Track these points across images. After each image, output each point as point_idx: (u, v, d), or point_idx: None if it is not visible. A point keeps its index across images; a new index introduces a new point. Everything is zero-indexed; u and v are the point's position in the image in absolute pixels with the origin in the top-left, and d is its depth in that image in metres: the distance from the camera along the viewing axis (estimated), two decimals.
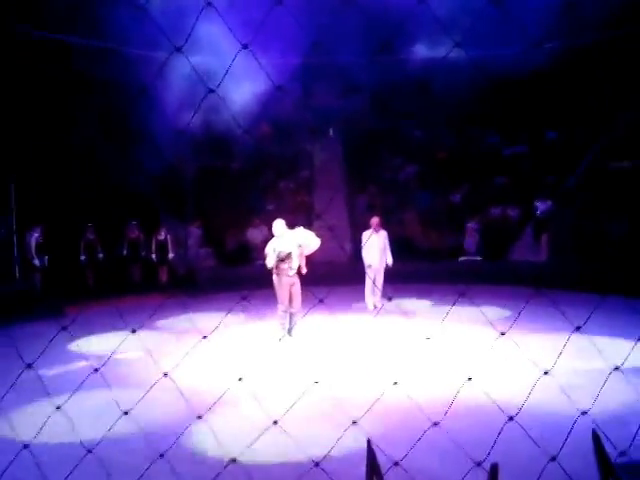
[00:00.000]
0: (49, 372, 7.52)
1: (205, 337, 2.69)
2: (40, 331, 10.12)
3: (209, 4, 2.69)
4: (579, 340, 3.85)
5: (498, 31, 13.48)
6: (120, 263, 16.10)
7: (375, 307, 12.29)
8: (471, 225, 16.45)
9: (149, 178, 16.03)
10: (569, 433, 3.01)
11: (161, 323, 11.12)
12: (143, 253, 16.29)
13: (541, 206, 16.11)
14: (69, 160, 14.64)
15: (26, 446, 3.10)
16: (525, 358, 3.00)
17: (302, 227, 9.66)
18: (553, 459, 2.66)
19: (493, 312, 10.80)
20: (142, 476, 2.98)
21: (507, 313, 10.93)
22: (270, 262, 9.22)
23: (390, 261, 12.22)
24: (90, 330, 10.09)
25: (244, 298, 3.16)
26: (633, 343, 3.70)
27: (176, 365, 3.12)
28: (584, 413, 2.71)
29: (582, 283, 12.40)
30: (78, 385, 3.87)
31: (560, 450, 2.79)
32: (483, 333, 8.75)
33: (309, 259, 9.84)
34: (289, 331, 9.56)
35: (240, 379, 2.76)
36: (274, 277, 9.38)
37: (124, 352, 8.29)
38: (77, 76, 14.63)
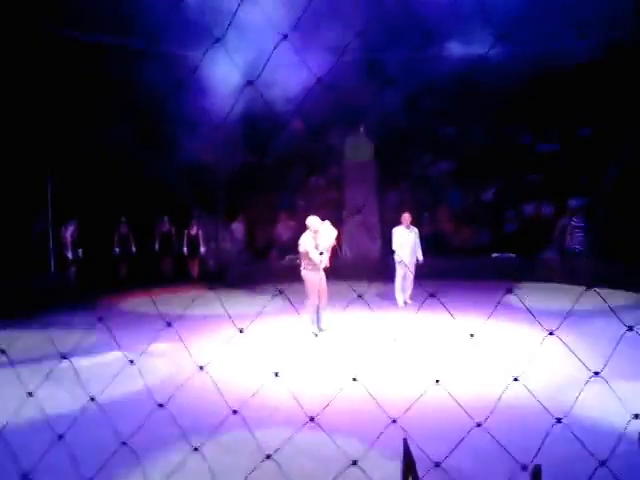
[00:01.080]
0: (83, 362, 7.60)
1: (242, 331, 2.67)
2: (74, 321, 10.33)
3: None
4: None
5: (531, 28, 13.33)
6: (152, 257, 16.28)
7: (405, 303, 12.21)
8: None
9: (182, 173, 16.15)
10: (620, 437, 2.93)
11: (194, 315, 11.15)
12: (174, 247, 16.46)
13: (575, 204, 15.83)
14: (104, 155, 14.81)
15: (61, 437, 3.11)
16: (574, 358, 2.92)
17: (328, 221, 9.60)
18: (602, 464, 2.57)
19: (536, 309, 10.59)
20: (175, 468, 2.98)
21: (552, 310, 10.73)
22: (316, 258, 9.15)
23: (421, 257, 12.13)
24: (123, 321, 10.21)
25: (281, 292, 3.13)
26: None
27: (210, 360, 3.10)
28: (637, 417, 2.62)
29: (616, 282, 12.17)
30: (110, 376, 3.89)
31: (610, 454, 2.70)
32: (527, 331, 8.64)
33: (338, 256, 9.83)
34: (318, 325, 9.55)
35: (277, 374, 2.73)
36: (304, 272, 9.35)
37: (157, 343, 8.40)
38: (112, 73, 14.78)
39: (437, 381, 2.68)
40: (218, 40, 2.57)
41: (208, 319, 10.60)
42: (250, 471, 2.86)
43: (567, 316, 3.06)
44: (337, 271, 10.41)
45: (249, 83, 2.57)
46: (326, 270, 9.60)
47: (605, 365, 2.80)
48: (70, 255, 14.44)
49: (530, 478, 2.42)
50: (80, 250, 14.68)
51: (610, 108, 15.75)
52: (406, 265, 11.91)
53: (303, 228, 9.69)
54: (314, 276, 9.28)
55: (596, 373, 2.59)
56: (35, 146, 13.60)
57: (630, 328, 2.71)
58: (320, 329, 9.57)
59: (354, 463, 2.46)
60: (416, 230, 12.27)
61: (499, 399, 2.99)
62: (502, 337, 9.07)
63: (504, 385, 2.95)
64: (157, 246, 16.40)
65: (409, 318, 10.14)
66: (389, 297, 12.35)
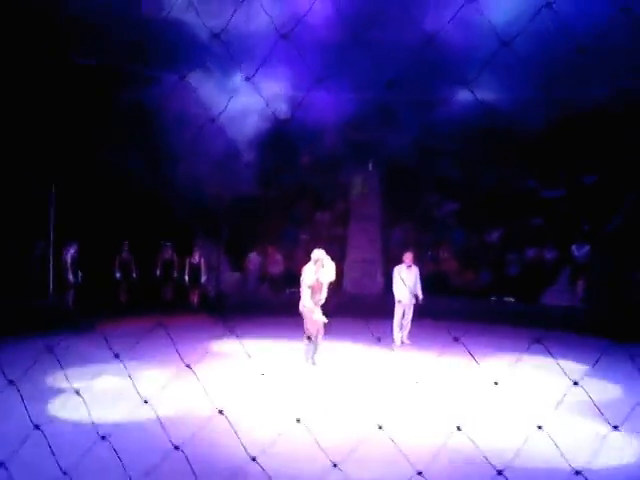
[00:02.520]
0: (77, 385, 7.47)
1: (263, 374, 2.64)
2: (70, 345, 10.23)
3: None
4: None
5: (540, 75, 13.51)
6: (153, 283, 16.24)
7: (402, 343, 12.12)
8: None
9: (186, 200, 16.22)
10: None
11: (193, 345, 11.05)
12: (176, 274, 16.44)
13: (578, 251, 15.86)
14: (107, 180, 14.87)
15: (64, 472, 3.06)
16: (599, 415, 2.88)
17: (327, 256, 9.56)
18: None
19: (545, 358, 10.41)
20: None
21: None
22: (307, 301, 9.10)
23: (421, 296, 12.09)
24: (119, 346, 10.10)
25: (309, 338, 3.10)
26: None
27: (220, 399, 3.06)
28: (578, 473, 2.58)
29: (616, 331, 12.09)
30: (104, 401, 3.83)
31: None
32: (541, 379, 8.57)
33: (338, 292, 9.81)
34: (312, 359, 9.47)
35: (298, 420, 2.69)
36: (305, 307, 9.25)
37: (153, 370, 8.29)
38: (119, 98, 14.95)
39: (458, 428, 2.65)
40: (248, 78, 2.60)
41: (208, 349, 10.49)
42: None
43: (592, 368, 3.03)
44: (337, 307, 10.39)
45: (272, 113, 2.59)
46: (324, 306, 9.56)
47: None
48: (70, 278, 14.38)
49: None
50: (80, 273, 14.62)
51: (616, 157, 15.91)
52: (405, 304, 11.90)
53: (293, 262, 9.72)
54: (312, 311, 9.23)
55: (615, 427, 2.56)
56: (38, 168, 13.67)
57: (575, 383, 2.67)
58: (314, 364, 9.48)
59: None
60: (417, 269, 12.27)
61: (522, 445, 2.95)
62: (520, 381, 8.88)
63: (525, 434, 2.90)
64: (159, 272, 16.38)
65: (411, 358, 10.07)
66: (387, 335, 12.25)
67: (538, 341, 2.81)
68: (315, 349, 9.51)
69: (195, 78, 13.92)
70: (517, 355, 7.02)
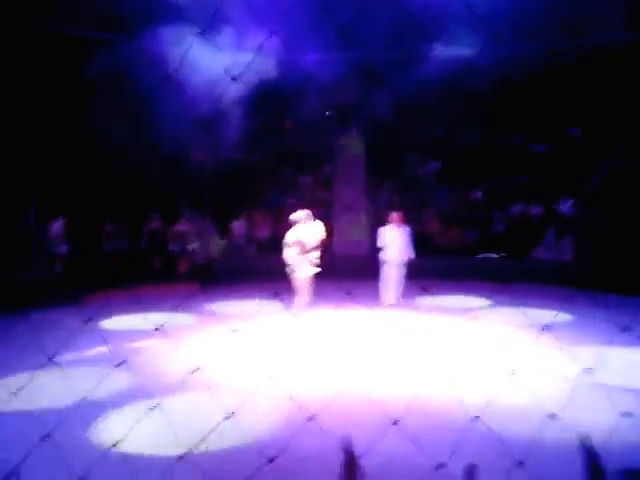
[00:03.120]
0: (68, 358, 7.52)
1: (235, 330, 2.66)
2: (59, 319, 10.27)
3: None
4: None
5: (520, 28, 13.39)
6: (141, 253, 16.24)
7: (392, 303, 12.20)
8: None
9: (169, 169, 16.11)
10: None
11: (183, 312, 11.08)
12: (163, 243, 16.42)
13: (563, 205, 15.94)
14: (92, 151, 14.72)
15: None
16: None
17: (318, 220, 9.59)
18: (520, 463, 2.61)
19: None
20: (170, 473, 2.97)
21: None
22: (290, 257, 9.21)
23: (413, 256, 12.14)
24: (109, 317, 10.14)
25: (277, 294, 3.13)
26: None
27: (206, 359, 3.08)
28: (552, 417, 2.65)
29: (607, 284, 12.27)
30: (96, 375, 3.86)
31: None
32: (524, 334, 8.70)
33: (326, 254, 9.85)
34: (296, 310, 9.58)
35: (270, 376, 2.72)
36: (292, 268, 9.35)
37: (145, 340, 8.35)
38: (97, 68, 14.70)
39: (434, 379, 2.69)
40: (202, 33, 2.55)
41: (198, 315, 10.54)
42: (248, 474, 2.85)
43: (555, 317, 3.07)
44: (326, 269, 10.42)
45: (233, 79, 2.56)
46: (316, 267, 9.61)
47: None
48: (58, 251, 14.36)
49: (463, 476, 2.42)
50: (67, 246, 14.59)
51: (600, 108, 15.86)
52: (392, 264, 11.97)
53: (279, 226, 9.77)
54: (306, 270, 9.30)
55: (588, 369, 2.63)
56: (22, 143, 13.51)
57: (625, 329, 2.73)
58: (294, 315, 9.59)
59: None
60: (408, 229, 12.28)
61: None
62: (493, 334, 9.08)
63: (499, 382, 2.96)
64: (146, 243, 16.36)
65: (398, 316, 10.18)
66: (376, 295, 12.35)
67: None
68: (300, 302, 9.57)
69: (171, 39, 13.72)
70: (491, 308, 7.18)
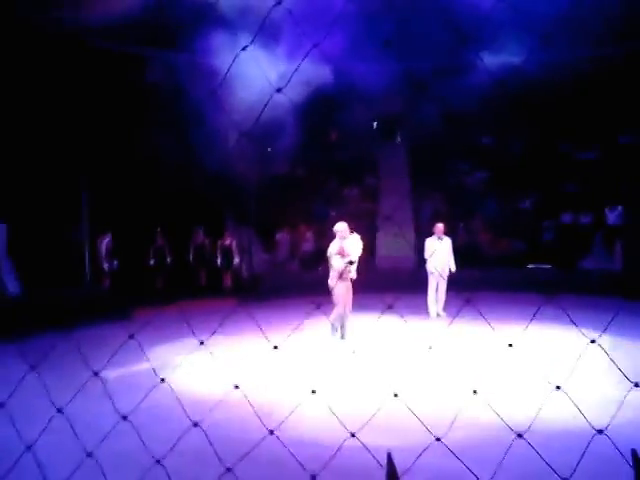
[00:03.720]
0: (112, 375, 7.58)
1: (276, 347, 2.60)
2: (108, 334, 10.38)
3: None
4: None
5: (568, 32, 13.11)
6: (187, 268, 16.38)
7: (438, 315, 12.04)
8: None
9: (214, 183, 16.26)
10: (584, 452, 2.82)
11: (227, 330, 11.08)
12: (208, 258, 16.54)
13: (611, 214, 15.51)
14: (139, 167, 14.98)
15: (89, 454, 3.07)
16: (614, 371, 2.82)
17: (356, 234, 9.48)
18: None
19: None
20: None
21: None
22: (338, 264, 9.12)
23: (453, 268, 11.98)
24: (158, 335, 10.20)
25: (318, 307, 3.06)
26: None
27: (243, 378, 3.03)
28: (600, 432, 2.51)
29: None
30: (141, 391, 3.84)
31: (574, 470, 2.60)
32: (569, 341, 8.45)
33: (370, 267, 9.75)
34: (342, 335, 9.45)
35: (314, 391, 2.65)
36: (333, 281, 9.25)
37: (188, 357, 8.35)
38: (145, 84, 14.98)
39: (475, 392, 2.59)
40: (245, 48, 2.52)
41: (241, 334, 10.52)
42: None
43: (606, 326, 2.93)
44: (369, 282, 10.33)
45: (278, 90, 2.51)
46: (354, 281, 9.51)
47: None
48: (106, 266, 14.59)
49: None
50: (115, 261, 14.83)
51: None
52: (440, 275, 11.82)
53: (324, 239, 9.69)
54: (340, 285, 9.18)
55: (637, 385, 2.50)
56: (72, 157, 13.81)
57: (592, 341, 2.60)
58: (343, 338, 9.47)
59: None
60: (449, 240, 12.13)
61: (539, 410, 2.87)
62: (542, 347, 8.85)
63: (544, 396, 2.84)
64: (191, 257, 16.49)
65: (442, 329, 9.97)
66: (422, 308, 12.17)
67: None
68: (344, 323, 9.46)
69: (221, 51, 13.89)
70: (539, 321, 6.97)
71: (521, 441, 2.69)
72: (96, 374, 3.00)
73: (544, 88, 13.53)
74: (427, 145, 17.61)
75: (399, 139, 18.55)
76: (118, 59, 14.61)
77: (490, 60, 14.51)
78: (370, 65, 15.83)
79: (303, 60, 2.74)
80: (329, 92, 15.05)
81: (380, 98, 17.26)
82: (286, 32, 13.35)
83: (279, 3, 2.19)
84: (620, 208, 15.38)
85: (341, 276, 9.13)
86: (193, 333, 2.89)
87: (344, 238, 9.25)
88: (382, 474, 2.61)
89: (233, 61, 2.60)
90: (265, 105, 2.61)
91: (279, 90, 2.55)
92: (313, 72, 14.11)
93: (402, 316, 3.21)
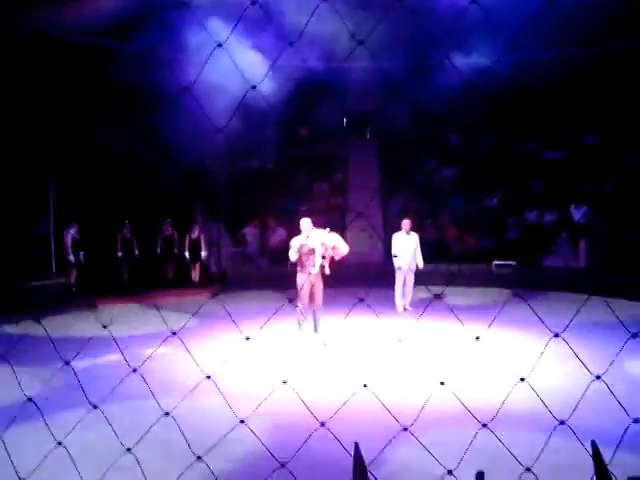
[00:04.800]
0: (80, 364, 7.52)
1: (248, 338, 2.65)
2: (73, 325, 10.32)
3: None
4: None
5: (535, 34, 13.36)
6: (154, 261, 16.28)
7: (405, 309, 12.20)
8: None
9: (184, 176, 16.20)
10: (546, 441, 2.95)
11: (193, 321, 11.11)
12: (176, 251, 16.46)
13: (576, 212, 15.84)
14: (105, 159, 14.84)
15: (59, 443, 3.09)
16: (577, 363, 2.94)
17: (329, 229, 9.56)
18: (528, 470, 2.60)
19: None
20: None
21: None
22: (293, 256, 9.29)
23: (421, 264, 12.14)
24: (123, 325, 10.16)
25: (290, 300, 3.12)
26: None
27: (218, 366, 3.08)
28: (562, 423, 2.63)
29: (617, 290, 12.11)
30: (111, 381, 3.86)
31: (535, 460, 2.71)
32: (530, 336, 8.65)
33: (340, 262, 9.81)
34: (315, 328, 9.56)
35: (285, 382, 2.71)
36: (298, 274, 9.43)
37: (158, 347, 8.33)
38: (111, 77, 14.84)
39: (442, 383, 2.68)
40: (220, 45, 2.56)
41: (208, 325, 10.54)
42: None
43: (570, 322, 3.04)
44: (339, 276, 10.42)
45: (253, 87, 2.56)
46: (325, 276, 9.61)
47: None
48: (71, 258, 14.44)
49: None
50: (82, 253, 14.68)
51: (616, 116, 15.77)
52: (405, 270, 12.00)
53: (293, 234, 9.79)
54: (303, 278, 9.32)
55: (598, 377, 2.61)
56: (37, 149, 13.64)
57: (635, 335, 2.70)
58: (316, 332, 9.57)
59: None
60: (416, 236, 12.27)
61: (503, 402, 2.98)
62: (505, 342, 9.06)
63: (508, 388, 2.94)
64: (159, 250, 16.39)
65: (409, 323, 10.12)
66: (389, 303, 12.31)
67: (519, 296, 2.81)
68: (315, 316, 9.57)
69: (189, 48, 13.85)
70: (506, 315, 7.17)
71: (486, 432, 2.78)
72: (67, 363, 3.01)
73: (511, 88, 13.74)
74: (396, 142, 17.77)
75: (369, 136, 18.68)
76: (85, 52, 14.44)
77: (459, 60, 14.73)
78: (341, 62, 15.92)
79: (278, 58, 2.79)
80: (301, 88, 15.12)
81: (351, 95, 17.39)
82: (258, 26, 13.34)
83: (253, 3, 2.23)
84: (585, 206, 15.71)
85: (303, 269, 9.31)
86: (165, 323, 2.92)
87: (307, 233, 9.38)
88: (349, 464, 2.68)
89: (209, 57, 2.63)
90: (240, 102, 2.65)
91: (254, 87, 2.59)
92: (285, 68, 14.17)
93: (374, 311, 3.28)
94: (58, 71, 13.65)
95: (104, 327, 2.91)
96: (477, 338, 2.73)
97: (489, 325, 3.24)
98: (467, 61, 14.85)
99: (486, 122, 17.47)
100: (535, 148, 17.99)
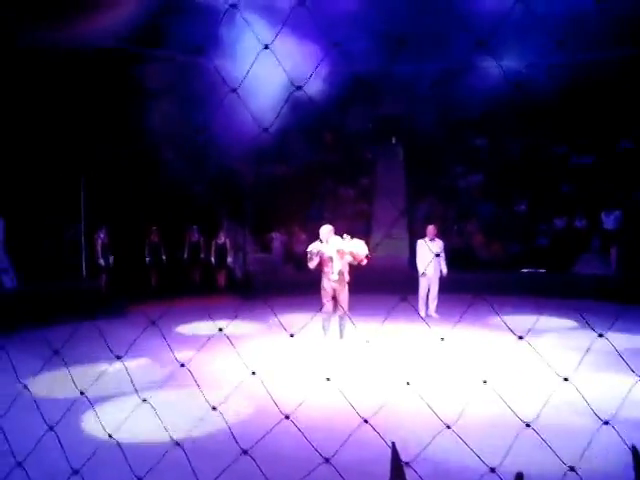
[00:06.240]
0: (113, 368, 7.59)
1: (292, 335, 2.67)
2: (104, 329, 10.39)
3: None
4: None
5: (572, 38, 13.24)
6: (181, 266, 16.43)
7: (430, 316, 12.12)
8: None
9: (211, 182, 16.33)
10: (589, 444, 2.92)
11: (230, 322, 11.09)
12: (203, 256, 16.58)
13: (607, 218, 15.64)
14: (135, 165, 15.02)
15: (111, 435, 3.14)
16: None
17: (349, 237, 9.53)
18: (572, 469, 2.58)
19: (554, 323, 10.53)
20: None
21: (571, 325, 10.66)
22: (311, 263, 9.28)
23: (445, 270, 12.08)
24: (154, 329, 10.22)
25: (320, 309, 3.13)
26: None
27: (252, 368, 3.09)
28: (606, 423, 2.61)
29: None
30: (144, 381, 3.89)
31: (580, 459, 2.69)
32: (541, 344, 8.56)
33: (365, 267, 9.75)
34: (340, 334, 9.53)
35: (328, 379, 2.73)
36: (322, 281, 9.43)
37: (193, 350, 8.40)
38: (142, 82, 15.01)
39: (485, 382, 2.66)
40: (267, 47, 2.59)
41: (237, 329, 10.58)
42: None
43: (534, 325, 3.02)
44: (364, 283, 10.41)
45: (298, 88, 2.59)
46: (349, 283, 9.60)
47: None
48: (101, 262, 14.61)
49: None
50: (111, 257, 14.86)
51: None
52: (429, 277, 11.96)
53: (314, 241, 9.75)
54: (327, 285, 9.34)
55: (565, 379, 2.65)
56: (71, 152, 13.83)
57: (600, 335, 2.72)
58: (341, 338, 9.56)
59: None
60: (440, 243, 12.21)
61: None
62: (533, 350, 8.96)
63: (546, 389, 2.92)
64: (186, 255, 16.55)
65: (430, 330, 10.07)
66: (414, 309, 12.20)
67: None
68: (341, 326, 9.55)
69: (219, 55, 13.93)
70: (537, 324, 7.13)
71: (527, 435, 2.76)
72: (119, 357, 3.05)
73: (542, 91, 13.64)
74: (423, 147, 17.73)
75: (395, 140, 18.65)
76: (119, 57, 14.63)
77: (491, 64, 14.64)
78: (367, 66, 15.94)
79: (323, 59, 2.82)
80: (327, 92, 15.13)
81: (377, 99, 17.38)
82: (292, 30, 13.34)
83: (302, 4, 2.26)
84: (617, 212, 15.50)
85: (325, 276, 9.32)
86: (211, 318, 2.95)
87: (325, 239, 9.38)
88: (380, 468, 2.68)
89: (254, 61, 2.66)
90: (285, 102, 2.68)
91: (299, 87, 2.62)
92: (310, 72, 14.17)
93: (414, 314, 3.28)
94: (93, 75, 13.83)
95: (152, 323, 2.96)
96: (520, 337, 2.73)
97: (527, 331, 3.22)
98: (499, 64, 14.77)
99: (515, 126, 17.35)
100: (565, 152, 17.83)
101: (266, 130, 2.65)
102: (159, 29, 14.74)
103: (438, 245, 12.08)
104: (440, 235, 12.45)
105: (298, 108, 13.78)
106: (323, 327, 9.44)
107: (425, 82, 16.21)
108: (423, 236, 12.25)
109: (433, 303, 12.24)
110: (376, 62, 15.90)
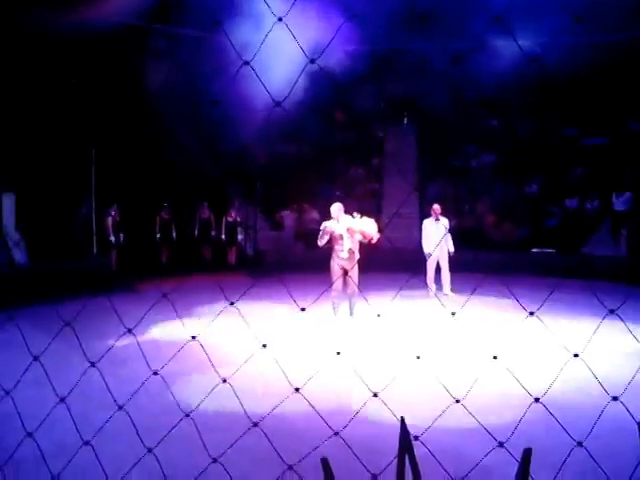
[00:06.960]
0: (123, 342, 7.65)
1: (304, 309, 2.68)
2: (115, 305, 10.45)
3: None
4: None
5: (585, 20, 13.06)
6: (191, 243, 16.44)
7: (445, 295, 12.08)
8: None
9: (222, 160, 16.30)
10: (597, 419, 2.93)
11: (239, 302, 11.15)
12: (213, 233, 16.59)
13: (618, 200, 15.53)
14: (146, 142, 14.98)
15: (120, 407, 3.16)
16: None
17: (359, 215, 9.49)
18: (580, 444, 2.59)
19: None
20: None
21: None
22: (321, 241, 9.26)
23: (452, 249, 12.04)
24: (165, 304, 10.27)
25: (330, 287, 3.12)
26: None
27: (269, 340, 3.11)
28: (615, 399, 2.62)
29: None
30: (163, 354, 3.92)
31: (587, 436, 2.69)
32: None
33: (374, 246, 9.72)
34: (350, 312, 9.54)
35: (338, 353, 2.75)
36: (331, 260, 9.41)
37: (198, 326, 8.47)
38: (154, 58, 14.95)
39: (495, 357, 2.67)
40: (280, 19, 2.57)
41: (251, 307, 10.61)
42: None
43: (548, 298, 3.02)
44: (375, 262, 10.40)
45: (312, 61, 2.57)
46: (359, 261, 9.58)
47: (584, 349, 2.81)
48: (112, 239, 14.66)
49: (521, 460, 2.40)
50: (122, 235, 14.90)
51: None
52: (435, 256, 11.89)
53: (327, 219, 9.70)
54: (337, 263, 9.30)
55: (576, 355, 2.65)
56: (81, 129, 13.80)
57: (612, 311, 2.71)
58: (351, 316, 9.57)
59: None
60: (446, 221, 12.17)
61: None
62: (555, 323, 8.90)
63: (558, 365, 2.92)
64: (196, 232, 16.54)
65: (440, 306, 10.07)
66: (423, 287, 12.20)
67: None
68: (351, 304, 9.56)
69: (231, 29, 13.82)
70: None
71: (536, 408, 2.77)
72: (129, 330, 3.07)
73: (555, 72, 13.49)
74: (435, 127, 17.59)
75: (406, 120, 18.52)
76: (133, 33, 14.54)
77: (503, 43, 14.45)
78: (379, 46, 15.79)
79: (335, 35, 2.80)
80: (338, 71, 15.01)
81: (389, 78, 17.24)
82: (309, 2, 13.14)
83: None
84: (628, 194, 15.39)
85: (334, 254, 9.30)
86: (225, 298, 2.96)
87: (336, 218, 9.35)
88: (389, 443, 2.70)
89: (266, 35, 2.64)
90: (299, 75, 2.67)
91: (313, 61, 2.60)
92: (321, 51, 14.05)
93: (405, 294, 3.29)
94: (103, 52, 13.76)
95: (164, 296, 2.97)
96: (531, 313, 2.74)
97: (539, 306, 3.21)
98: (506, 44, 14.59)
99: (527, 107, 17.19)
100: (576, 134, 17.66)
101: (279, 104, 2.63)
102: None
103: (444, 224, 12.05)
104: (450, 215, 12.39)
105: (311, 85, 13.79)
106: (333, 305, 9.46)
107: (439, 60, 16.00)
108: (431, 215, 12.23)
109: (447, 282, 12.20)
110: (391, 39, 15.78)
